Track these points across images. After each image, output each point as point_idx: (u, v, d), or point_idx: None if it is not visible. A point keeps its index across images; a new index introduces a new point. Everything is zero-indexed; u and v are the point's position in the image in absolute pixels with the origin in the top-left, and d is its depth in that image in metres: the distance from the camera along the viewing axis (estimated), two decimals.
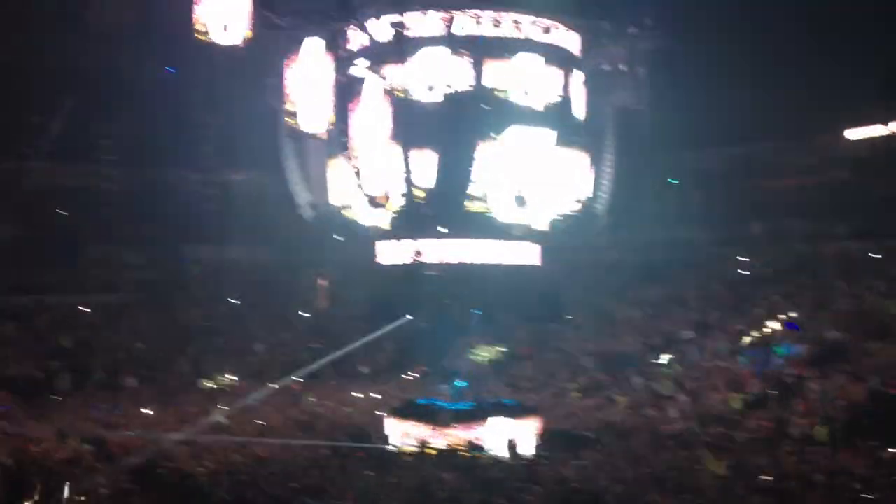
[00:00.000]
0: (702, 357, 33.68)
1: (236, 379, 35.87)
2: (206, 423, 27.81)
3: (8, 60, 40.54)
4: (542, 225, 26.67)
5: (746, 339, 33.60)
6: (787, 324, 33.38)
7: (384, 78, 25.26)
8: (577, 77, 27.28)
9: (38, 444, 24.02)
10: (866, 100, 40.64)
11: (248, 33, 25.74)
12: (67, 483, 19.04)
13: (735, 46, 40.71)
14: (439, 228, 25.82)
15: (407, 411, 27.26)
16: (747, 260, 40.80)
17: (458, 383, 27.97)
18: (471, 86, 25.06)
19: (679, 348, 35.08)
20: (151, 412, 29.51)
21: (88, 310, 39.48)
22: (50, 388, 32.85)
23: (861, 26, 38.49)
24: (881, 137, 41.76)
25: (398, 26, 24.96)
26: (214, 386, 34.94)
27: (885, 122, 41.39)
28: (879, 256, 36.84)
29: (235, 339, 39.94)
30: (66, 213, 43.12)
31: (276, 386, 34.77)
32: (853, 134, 42.52)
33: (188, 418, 28.48)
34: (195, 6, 26.06)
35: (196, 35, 26.44)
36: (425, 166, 24.92)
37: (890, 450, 22.53)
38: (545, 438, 26.03)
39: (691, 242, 42.66)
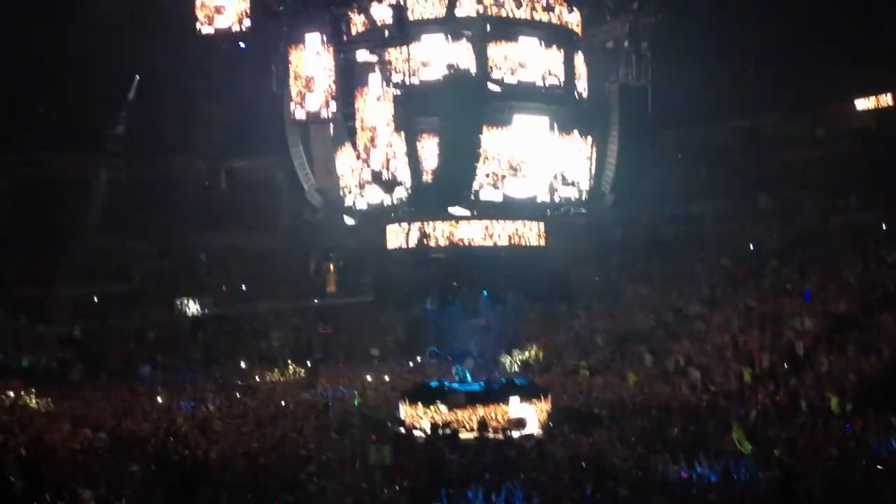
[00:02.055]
0: (711, 332, 33.67)
1: (248, 364, 36.09)
2: (219, 408, 27.99)
3: (13, 52, 40.69)
4: (548, 204, 26.66)
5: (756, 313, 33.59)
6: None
7: (387, 62, 25.18)
8: (580, 55, 27.17)
9: (53, 433, 24.22)
10: (874, 69, 40.36)
11: (249, 20, 25.77)
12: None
13: (738, 18, 40.49)
14: (445, 211, 25.81)
15: (417, 393, 27.34)
16: (755, 234, 40.79)
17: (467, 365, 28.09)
18: (474, 67, 24.95)
19: (689, 323, 35.10)
20: (164, 398, 29.68)
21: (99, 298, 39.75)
22: (63, 378, 33.12)
23: None
24: (889, 107, 41.58)
25: (399, 9, 24.84)
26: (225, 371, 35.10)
27: (893, 92, 41.18)
28: (888, 228, 36.71)
29: (245, 325, 40.17)
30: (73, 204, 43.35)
31: (288, 370, 35.06)
32: (862, 104, 42.34)
33: (200, 404, 28.65)
34: None
35: (198, 23, 26.50)
36: (430, 149, 24.87)
37: None
38: (556, 416, 26.12)
39: (699, 217, 42.62)
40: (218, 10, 26.24)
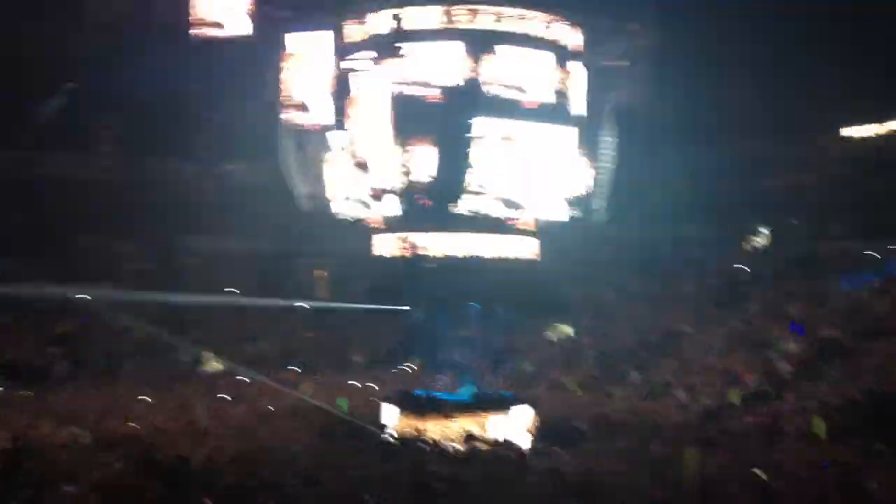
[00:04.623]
0: (699, 352, 33.77)
1: (233, 367, 35.93)
2: (203, 410, 27.90)
3: (6, 51, 40.62)
4: (541, 219, 26.75)
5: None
6: (792, 324, 33.11)
7: (383, 72, 25.26)
8: (578, 72, 27.29)
9: (36, 430, 24.11)
10: (867, 97, 40.67)
11: (247, 26, 25.84)
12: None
13: (736, 42, 40.77)
14: (437, 222, 25.85)
15: (403, 402, 27.31)
16: (745, 257, 40.96)
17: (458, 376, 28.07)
18: (470, 80, 25.04)
19: (677, 343, 35.19)
20: (149, 399, 29.55)
21: (87, 297, 39.50)
22: (48, 375, 32.96)
23: (861, 23, 38.54)
24: (880, 135, 41.86)
25: (397, 20, 24.94)
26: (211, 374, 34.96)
27: (883, 120, 41.47)
28: (876, 254, 36.89)
29: (232, 328, 40.05)
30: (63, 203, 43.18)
31: (273, 375, 34.94)
32: (853, 131, 42.62)
33: (185, 406, 28.55)
34: None
35: (195, 27, 26.56)
36: (423, 160, 24.92)
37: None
38: (540, 431, 26.13)
39: (689, 238, 42.75)
40: (217, 25, 26.29)
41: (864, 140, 42.53)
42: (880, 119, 41.58)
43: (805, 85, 40.41)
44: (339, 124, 26.18)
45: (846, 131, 42.71)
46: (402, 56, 25.08)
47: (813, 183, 42.72)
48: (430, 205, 25.09)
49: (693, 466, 21.00)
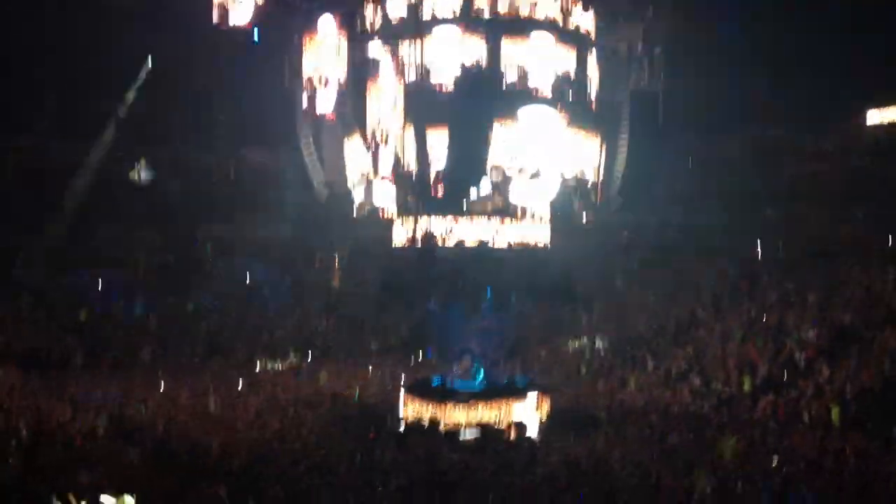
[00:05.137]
0: (713, 340, 33.62)
1: (249, 356, 36.06)
2: (220, 398, 27.99)
3: (22, 38, 40.75)
4: (555, 206, 26.73)
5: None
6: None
7: (400, 57, 25.25)
8: (593, 57, 27.23)
9: (53, 417, 24.25)
10: (887, 85, 40.32)
11: (266, 13, 25.87)
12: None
13: (753, 28, 40.46)
14: (453, 209, 25.87)
15: (419, 390, 27.32)
16: (761, 244, 40.73)
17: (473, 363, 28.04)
18: (486, 65, 25.03)
19: (691, 330, 35.05)
20: (165, 387, 29.68)
21: (105, 285, 39.73)
22: (65, 363, 33.13)
23: (884, 9, 38.17)
24: None
25: (415, 5, 24.94)
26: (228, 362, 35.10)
27: None
28: (894, 243, 36.63)
29: (247, 316, 40.14)
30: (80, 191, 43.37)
31: (289, 362, 35.07)
32: (872, 119, 42.26)
33: (201, 394, 28.65)
34: None
35: (213, 13, 26.58)
36: (440, 146, 24.93)
37: None
38: (556, 418, 26.11)
39: (705, 226, 42.53)
40: (237, 12, 26.24)
41: (883, 128, 42.18)
42: None
43: (825, 72, 40.07)
44: (357, 111, 26.21)
45: (866, 118, 42.35)
46: (420, 42, 25.09)
47: (831, 171, 42.40)
48: (447, 192, 25.12)
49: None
